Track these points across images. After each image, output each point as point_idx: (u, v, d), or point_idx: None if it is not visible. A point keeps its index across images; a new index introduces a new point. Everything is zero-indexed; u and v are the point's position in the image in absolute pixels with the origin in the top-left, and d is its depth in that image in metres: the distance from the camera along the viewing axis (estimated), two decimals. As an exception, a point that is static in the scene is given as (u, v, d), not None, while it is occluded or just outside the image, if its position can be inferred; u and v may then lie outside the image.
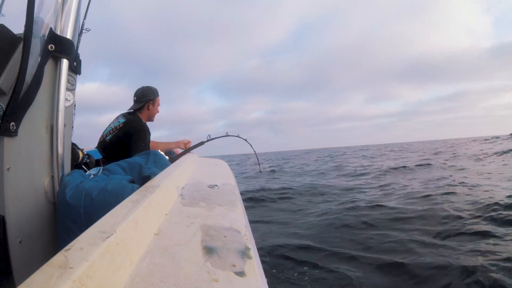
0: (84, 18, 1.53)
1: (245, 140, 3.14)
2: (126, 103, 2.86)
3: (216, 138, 2.90)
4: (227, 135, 2.94)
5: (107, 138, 2.60)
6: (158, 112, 2.89)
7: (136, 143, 2.49)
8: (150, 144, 2.72)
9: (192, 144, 3.01)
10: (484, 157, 15.20)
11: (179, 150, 3.10)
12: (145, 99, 2.76)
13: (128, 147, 2.49)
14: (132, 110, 2.80)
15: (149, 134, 2.65)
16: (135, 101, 2.81)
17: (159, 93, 2.86)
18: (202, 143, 2.90)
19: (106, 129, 2.70)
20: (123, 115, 2.74)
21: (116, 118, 2.75)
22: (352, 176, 11.98)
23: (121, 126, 2.60)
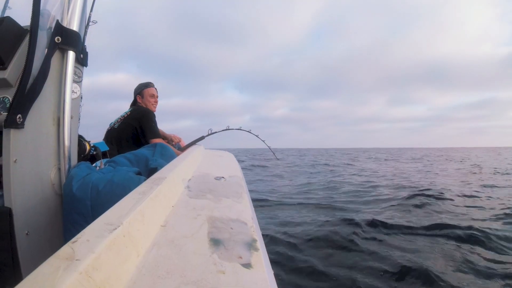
0: (91, 10, 1.52)
1: (249, 131, 3.11)
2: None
3: (217, 132, 2.91)
4: (228, 129, 2.94)
5: (116, 126, 2.73)
6: (151, 102, 3.00)
7: (147, 124, 2.68)
8: None
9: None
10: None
11: (184, 143, 3.16)
12: (135, 93, 3.04)
13: (138, 129, 2.67)
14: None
15: (155, 116, 2.82)
16: None
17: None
18: (202, 137, 2.92)
19: (113, 121, 2.84)
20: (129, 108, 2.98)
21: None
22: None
23: (128, 114, 2.79)
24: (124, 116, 2.77)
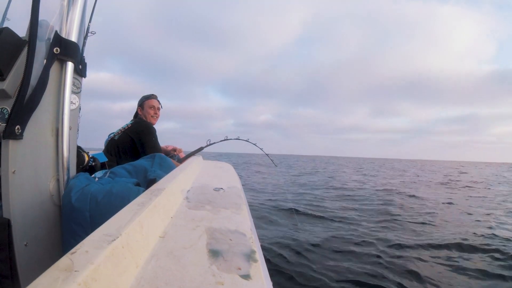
0: (90, 21, 1.53)
1: (247, 140, 3.15)
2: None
3: (216, 142, 2.95)
4: (227, 139, 2.97)
5: (116, 137, 2.73)
6: (151, 113, 3.00)
7: (147, 138, 2.68)
8: None
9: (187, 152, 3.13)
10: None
11: (183, 154, 3.16)
12: (137, 105, 3.06)
13: (138, 143, 2.66)
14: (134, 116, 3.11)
15: (155, 130, 2.82)
16: None
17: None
18: (201, 148, 2.97)
19: (113, 132, 2.86)
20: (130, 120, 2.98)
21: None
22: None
23: (129, 126, 2.79)
24: (125, 128, 2.78)
